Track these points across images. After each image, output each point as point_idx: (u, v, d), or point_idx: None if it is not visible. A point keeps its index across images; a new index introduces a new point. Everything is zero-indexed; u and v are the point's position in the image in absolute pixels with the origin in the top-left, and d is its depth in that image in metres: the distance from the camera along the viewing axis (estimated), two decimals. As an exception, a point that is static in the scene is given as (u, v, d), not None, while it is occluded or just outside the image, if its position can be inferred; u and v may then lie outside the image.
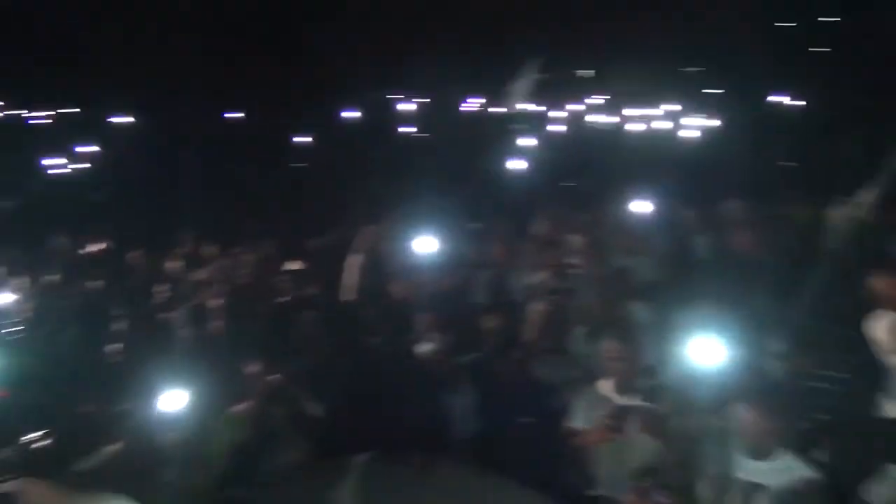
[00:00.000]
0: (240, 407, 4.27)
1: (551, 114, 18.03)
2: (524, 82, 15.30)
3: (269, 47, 18.01)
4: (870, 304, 4.03)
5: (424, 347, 4.76)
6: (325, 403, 4.53)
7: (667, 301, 5.05)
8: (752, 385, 3.63)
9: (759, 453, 3.28)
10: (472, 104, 19.96)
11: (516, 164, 10.41)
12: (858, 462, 3.39)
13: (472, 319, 5.21)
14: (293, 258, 6.75)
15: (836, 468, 3.42)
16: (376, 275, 6.06)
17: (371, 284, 5.96)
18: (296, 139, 15.05)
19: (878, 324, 3.91)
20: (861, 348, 3.93)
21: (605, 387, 3.96)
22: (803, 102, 16.21)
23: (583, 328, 5.01)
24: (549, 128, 16.54)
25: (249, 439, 4.13)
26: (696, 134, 14.62)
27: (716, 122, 15.43)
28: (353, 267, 6.00)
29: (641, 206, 6.75)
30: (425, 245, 5.90)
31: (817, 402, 4.21)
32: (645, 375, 3.89)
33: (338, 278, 5.97)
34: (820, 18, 18.21)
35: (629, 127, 16.89)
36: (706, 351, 3.60)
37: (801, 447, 3.41)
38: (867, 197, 5.91)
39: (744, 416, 3.30)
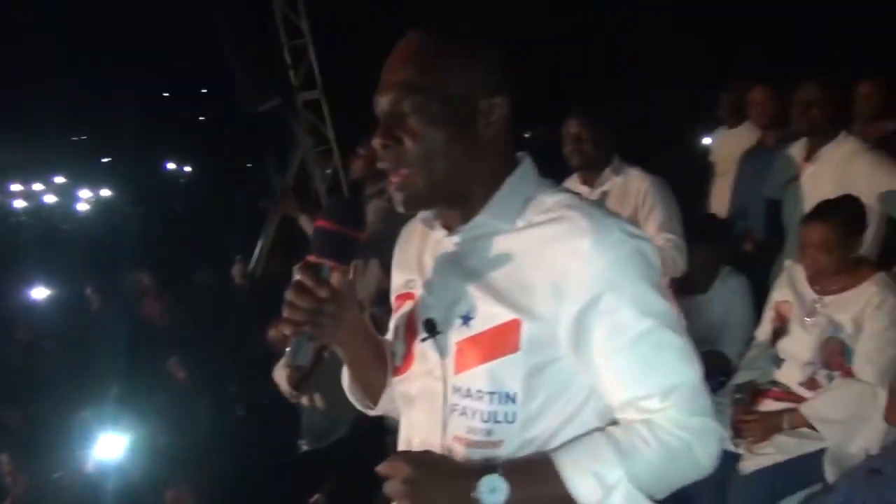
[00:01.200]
0: None
1: None
2: None
3: None
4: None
5: None
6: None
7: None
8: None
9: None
10: None
11: None
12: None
13: None
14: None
15: None
16: None
17: None
18: None
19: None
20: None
21: None
22: (189, 168, 17.09)
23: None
24: None
25: None
26: (91, 206, 14.04)
27: (109, 192, 15.08)
28: None
29: (38, 293, 6.13)
30: None
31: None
32: None
33: None
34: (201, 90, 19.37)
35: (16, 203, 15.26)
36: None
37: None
38: (259, 253, 6.46)
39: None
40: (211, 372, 4.64)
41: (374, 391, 1.27)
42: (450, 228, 1.16)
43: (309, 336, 1.09)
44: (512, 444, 1.08)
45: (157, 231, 10.24)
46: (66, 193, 15.42)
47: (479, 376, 1.08)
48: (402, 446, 1.22)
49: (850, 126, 3.12)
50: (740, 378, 2.80)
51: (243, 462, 4.13)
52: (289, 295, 1.08)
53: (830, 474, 2.37)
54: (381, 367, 1.25)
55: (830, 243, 2.51)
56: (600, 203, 1.18)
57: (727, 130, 4.90)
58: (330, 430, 3.57)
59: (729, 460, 2.50)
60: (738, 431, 2.60)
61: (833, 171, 2.88)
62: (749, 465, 2.50)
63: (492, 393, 1.07)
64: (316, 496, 3.47)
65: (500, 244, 1.11)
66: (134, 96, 18.30)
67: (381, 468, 1.03)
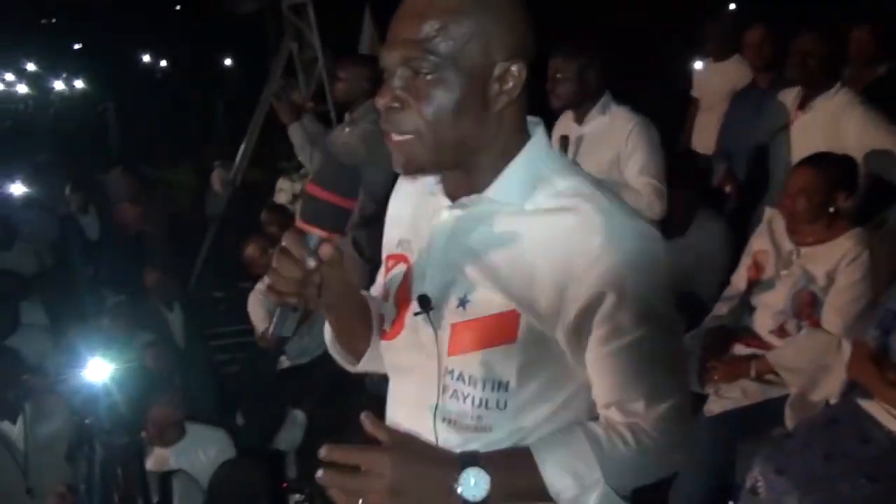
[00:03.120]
0: None
1: None
2: None
3: None
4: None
5: None
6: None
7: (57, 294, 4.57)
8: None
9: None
10: None
11: None
12: (268, 414, 3.66)
13: None
14: None
15: (251, 426, 3.65)
16: None
17: None
18: None
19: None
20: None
21: None
22: (166, 62, 16.47)
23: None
24: None
25: None
26: (63, 97, 13.59)
27: (82, 84, 14.57)
28: None
29: (13, 189, 5.92)
30: None
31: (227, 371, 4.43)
32: None
33: None
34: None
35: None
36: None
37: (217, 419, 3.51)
38: (241, 160, 6.35)
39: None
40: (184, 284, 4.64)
41: (357, 351, 1.26)
42: (453, 197, 1.11)
43: (294, 307, 1.05)
44: (502, 430, 1.08)
45: (134, 129, 9.97)
46: (39, 84, 14.89)
47: (473, 362, 1.07)
48: (389, 413, 1.22)
49: (843, 73, 3.09)
50: (712, 322, 2.88)
51: (223, 377, 4.23)
52: (274, 262, 1.03)
53: (791, 420, 2.49)
54: (366, 331, 1.24)
55: (813, 191, 2.55)
56: (613, 190, 1.09)
57: (713, 64, 4.82)
58: (311, 346, 3.64)
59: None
60: (706, 374, 2.70)
61: (825, 122, 2.88)
62: (714, 407, 2.60)
63: (485, 380, 1.06)
64: (296, 411, 3.57)
65: (506, 226, 1.06)
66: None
67: (359, 458, 0.99)
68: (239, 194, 6.14)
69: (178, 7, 18.12)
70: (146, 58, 18.01)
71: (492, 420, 1.08)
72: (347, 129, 3.65)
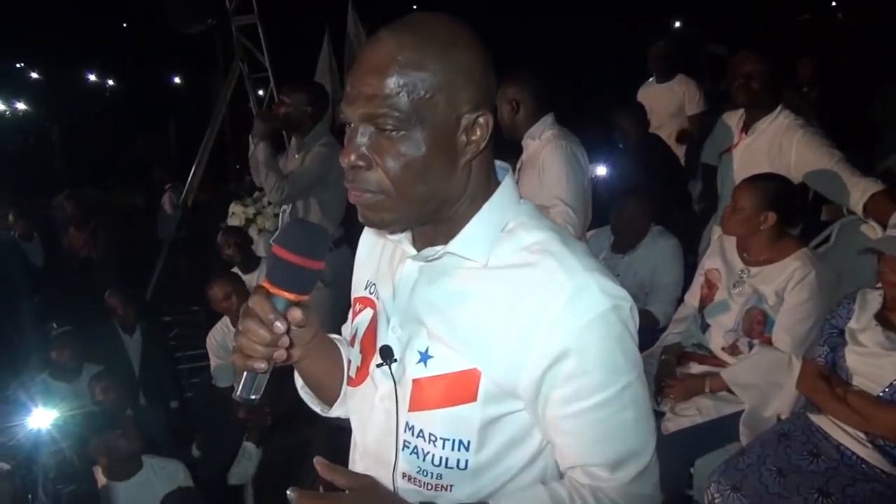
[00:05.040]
0: None
1: None
2: None
3: None
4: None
5: None
6: None
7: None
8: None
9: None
10: None
11: None
12: (224, 447, 3.59)
13: None
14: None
15: (208, 459, 3.57)
16: None
17: None
18: None
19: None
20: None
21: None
22: (113, 82, 16.15)
23: None
24: None
25: None
26: (5, 119, 13.19)
27: (24, 105, 14.17)
28: None
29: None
30: None
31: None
32: None
33: None
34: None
35: None
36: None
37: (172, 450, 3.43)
38: (191, 181, 6.26)
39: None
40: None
41: (328, 398, 1.24)
42: (419, 245, 1.07)
43: (262, 371, 1.01)
44: (462, 489, 1.05)
45: (81, 152, 9.72)
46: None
47: (434, 420, 1.03)
48: (352, 461, 1.21)
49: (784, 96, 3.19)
50: (667, 340, 2.93)
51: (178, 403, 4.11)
52: (241, 324, 1.00)
53: (745, 437, 2.54)
54: (337, 378, 1.22)
55: (742, 208, 2.63)
56: (581, 247, 1.04)
57: (657, 85, 4.99)
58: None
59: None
60: (661, 392, 2.74)
61: (768, 145, 2.95)
62: (671, 425, 2.64)
63: (445, 439, 1.03)
64: (248, 443, 3.50)
65: (467, 281, 1.02)
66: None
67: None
68: (190, 216, 6.05)
69: (124, 25, 17.78)
70: (92, 77, 17.61)
71: (453, 479, 1.05)
72: (297, 156, 3.63)
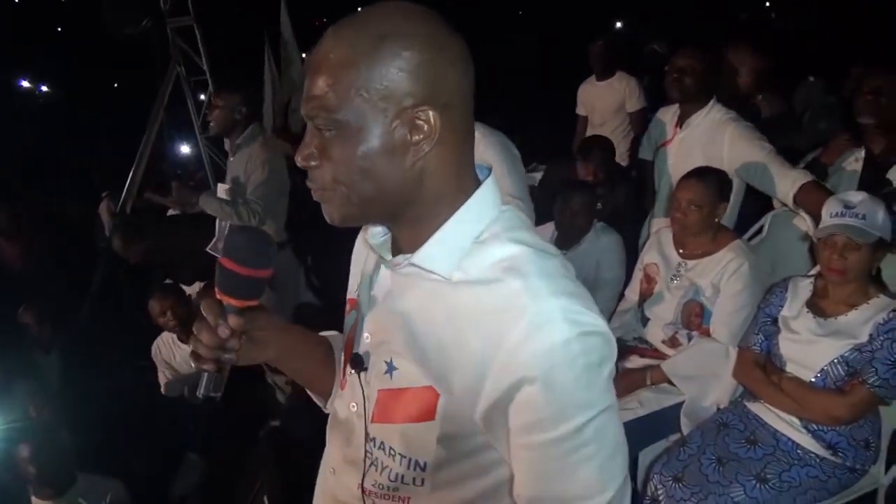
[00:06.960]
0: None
1: None
2: None
3: None
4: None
5: None
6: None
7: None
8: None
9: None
10: None
11: None
12: (164, 459, 3.50)
13: None
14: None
15: (148, 472, 3.47)
16: None
17: None
18: None
19: None
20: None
21: None
22: (47, 87, 15.65)
23: None
24: None
25: None
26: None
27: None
28: None
29: None
30: None
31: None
32: None
33: None
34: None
35: None
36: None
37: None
38: (129, 187, 6.09)
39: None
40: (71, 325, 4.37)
41: (325, 392, 1.26)
42: (395, 250, 1.04)
43: (215, 370, 1.07)
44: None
45: (12, 159, 9.35)
46: None
47: (393, 434, 1.02)
48: (322, 469, 1.23)
49: (718, 92, 3.25)
50: (609, 335, 2.95)
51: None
52: (195, 327, 1.04)
53: (686, 427, 2.58)
54: (323, 376, 1.24)
55: (701, 203, 2.66)
56: (555, 265, 0.96)
57: (597, 83, 5.07)
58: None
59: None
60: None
61: (701, 139, 3.01)
62: (614, 419, 2.66)
63: (402, 455, 1.01)
64: (190, 454, 3.42)
65: (432, 296, 0.97)
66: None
67: None
68: (129, 221, 5.87)
69: (59, 29, 17.25)
70: (25, 83, 17.04)
71: (409, 492, 1.03)
72: (233, 158, 3.60)
